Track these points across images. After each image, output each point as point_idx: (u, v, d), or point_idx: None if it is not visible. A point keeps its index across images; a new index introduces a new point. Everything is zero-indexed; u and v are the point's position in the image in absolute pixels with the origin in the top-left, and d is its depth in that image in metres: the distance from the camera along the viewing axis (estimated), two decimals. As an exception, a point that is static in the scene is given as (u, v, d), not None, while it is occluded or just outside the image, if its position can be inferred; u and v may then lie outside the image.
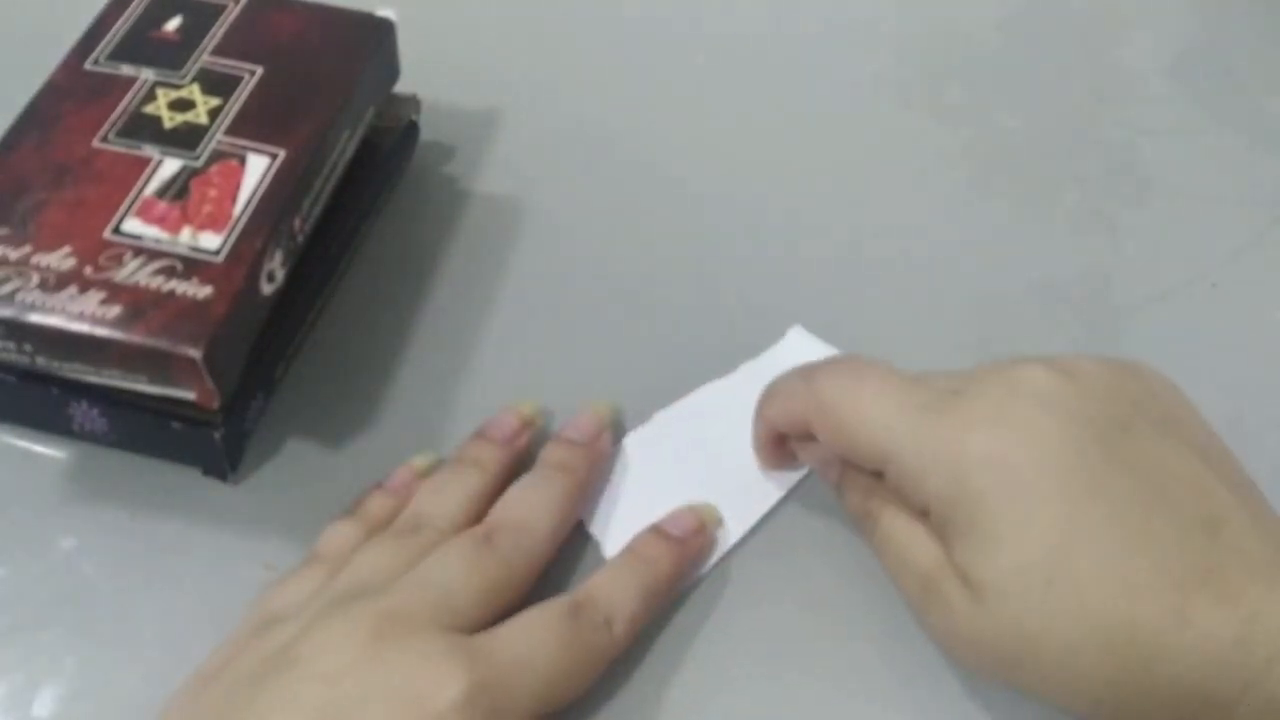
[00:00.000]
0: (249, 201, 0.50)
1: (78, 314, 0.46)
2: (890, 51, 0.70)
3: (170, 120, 0.52)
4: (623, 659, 0.47)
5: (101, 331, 0.46)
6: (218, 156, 0.51)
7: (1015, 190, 0.64)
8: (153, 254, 0.48)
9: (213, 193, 0.50)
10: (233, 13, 0.56)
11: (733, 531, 0.51)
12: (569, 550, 0.50)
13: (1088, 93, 0.68)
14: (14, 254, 0.47)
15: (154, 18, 0.56)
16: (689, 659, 0.48)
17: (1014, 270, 0.60)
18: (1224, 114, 0.68)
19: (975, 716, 0.47)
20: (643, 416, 0.54)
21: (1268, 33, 0.72)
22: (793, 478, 0.52)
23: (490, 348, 0.56)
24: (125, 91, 0.53)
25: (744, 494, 0.52)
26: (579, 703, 0.45)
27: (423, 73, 0.61)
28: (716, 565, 0.50)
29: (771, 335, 0.57)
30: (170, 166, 0.51)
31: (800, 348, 0.56)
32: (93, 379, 0.47)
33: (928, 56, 0.70)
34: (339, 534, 0.48)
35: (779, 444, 0.51)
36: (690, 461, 0.53)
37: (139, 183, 0.50)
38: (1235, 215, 0.63)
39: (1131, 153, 0.66)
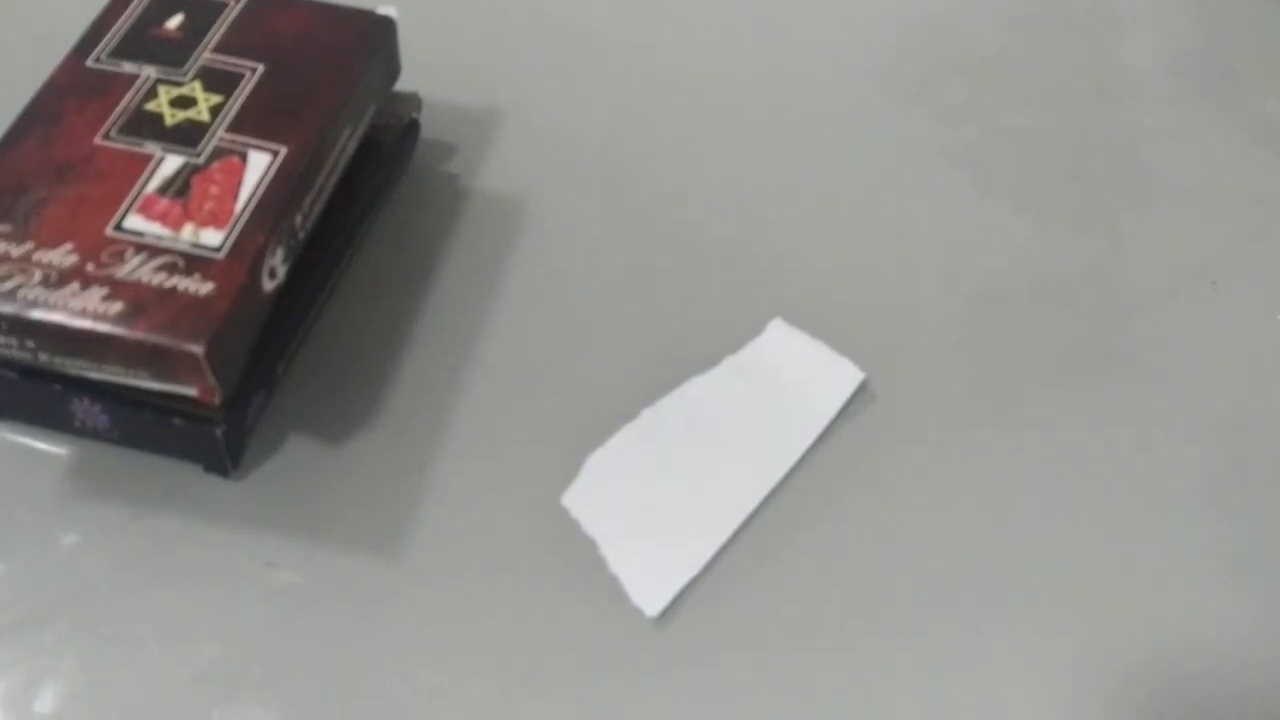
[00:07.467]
0: (250, 198, 0.50)
1: (80, 310, 0.46)
2: (893, 50, 0.70)
3: (172, 117, 0.52)
4: (623, 657, 0.47)
5: (103, 328, 0.46)
6: (219, 153, 0.51)
7: (1016, 189, 0.64)
8: (155, 250, 0.48)
9: (214, 190, 0.50)
10: (234, 10, 0.56)
11: (725, 524, 0.51)
12: (568, 548, 0.50)
13: (1089, 92, 0.69)
14: (16, 251, 0.47)
15: (155, 15, 0.56)
16: (682, 654, 0.48)
17: (1014, 269, 0.60)
18: (1224, 114, 0.68)
19: (976, 709, 0.47)
20: (631, 414, 0.54)
21: (1268, 33, 0.72)
22: (780, 471, 0.53)
23: (489, 344, 0.57)
24: (127, 89, 0.53)
25: (733, 487, 0.52)
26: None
27: (424, 71, 0.61)
28: (713, 557, 0.50)
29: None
30: (172, 163, 0.51)
31: (781, 341, 0.56)
32: (95, 375, 0.47)
33: (930, 55, 0.70)
34: None
35: None
36: (680, 456, 0.53)
37: (140, 180, 0.50)
38: (1235, 215, 0.63)
39: (1132, 152, 0.66)
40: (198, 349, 0.45)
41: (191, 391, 0.47)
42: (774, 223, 0.62)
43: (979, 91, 0.68)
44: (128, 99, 0.53)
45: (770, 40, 0.70)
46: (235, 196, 0.50)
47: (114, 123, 0.52)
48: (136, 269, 0.47)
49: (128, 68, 0.54)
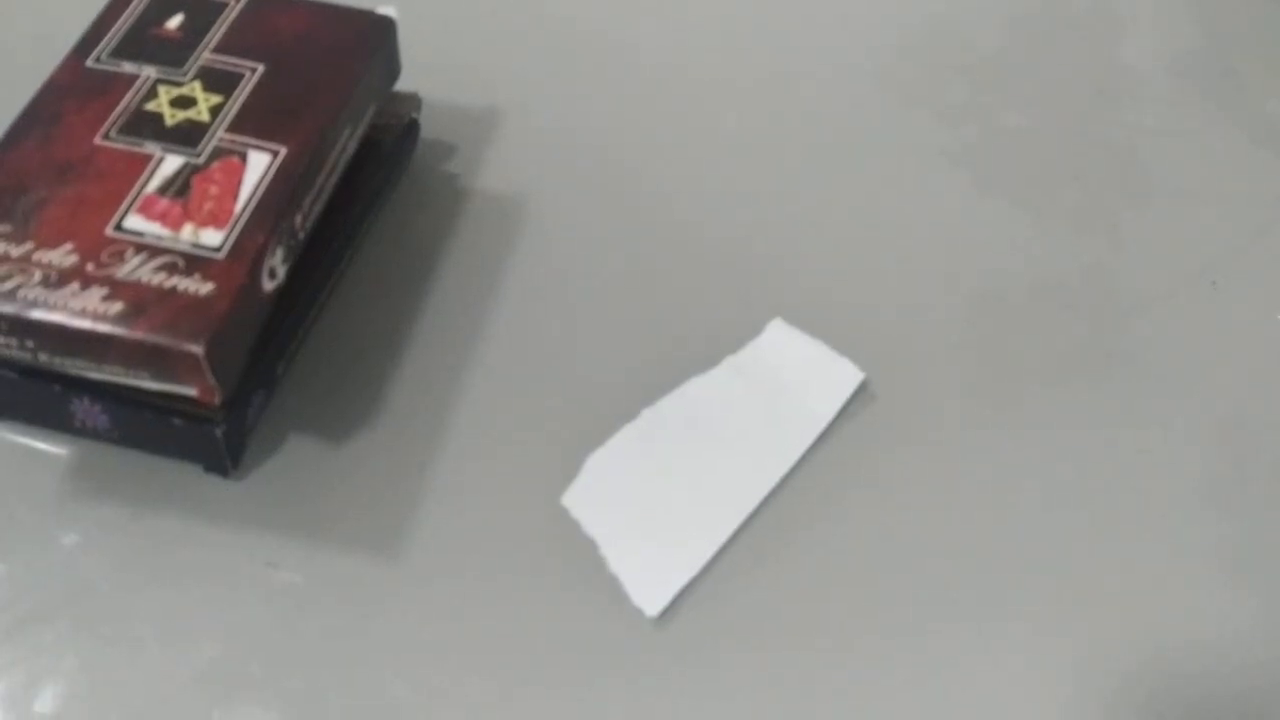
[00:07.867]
0: (250, 198, 0.50)
1: (80, 310, 0.46)
2: (893, 50, 0.70)
3: (172, 117, 0.52)
4: (624, 655, 0.47)
5: (103, 328, 0.46)
6: (219, 153, 0.51)
7: (1016, 189, 0.64)
8: (155, 251, 0.48)
9: (214, 190, 0.50)
10: (234, 10, 0.56)
11: (725, 524, 0.51)
12: (568, 548, 0.50)
13: (1089, 92, 0.69)
14: (16, 251, 0.47)
15: (155, 15, 0.56)
16: (682, 654, 0.48)
17: (1014, 269, 0.60)
18: (1224, 114, 0.68)
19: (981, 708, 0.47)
20: (631, 414, 0.54)
21: (1268, 33, 0.72)
22: (780, 471, 0.53)
23: (489, 344, 0.57)
24: (127, 89, 0.53)
25: (733, 487, 0.52)
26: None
27: (424, 71, 0.61)
28: (713, 557, 0.50)
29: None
30: (172, 163, 0.51)
31: (781, 341, 0.56)
32: (95, 375, 0.47)
33: (930, 55, 0.70)
34: None
35: None
36: (680, 456, 0.53)
37: (140, 180, 0.50)
38: (1235, 215, 0.63)
39: (1132, 152, 0.66)
40: (198, 349, 0.45)
41: (191, 391, 0.47)
42: (774, 223, 0.62)
43: (979, 91, 0.68)
44: (128, 99, 0.53)
45: (770, 40, 0.70)
46: (235, 196, 0.50)
47: (114, 123, 0.52)
48: (136, 269, 0.47)
49: (128, 68, 0.54)
